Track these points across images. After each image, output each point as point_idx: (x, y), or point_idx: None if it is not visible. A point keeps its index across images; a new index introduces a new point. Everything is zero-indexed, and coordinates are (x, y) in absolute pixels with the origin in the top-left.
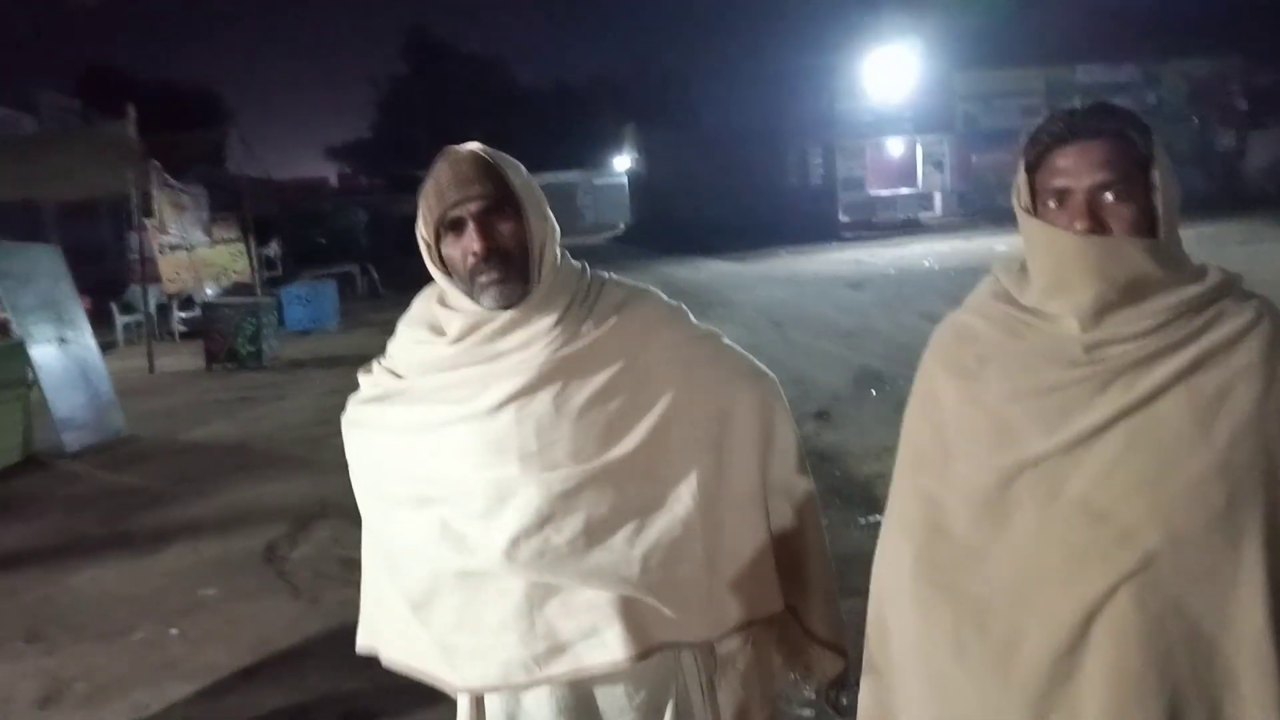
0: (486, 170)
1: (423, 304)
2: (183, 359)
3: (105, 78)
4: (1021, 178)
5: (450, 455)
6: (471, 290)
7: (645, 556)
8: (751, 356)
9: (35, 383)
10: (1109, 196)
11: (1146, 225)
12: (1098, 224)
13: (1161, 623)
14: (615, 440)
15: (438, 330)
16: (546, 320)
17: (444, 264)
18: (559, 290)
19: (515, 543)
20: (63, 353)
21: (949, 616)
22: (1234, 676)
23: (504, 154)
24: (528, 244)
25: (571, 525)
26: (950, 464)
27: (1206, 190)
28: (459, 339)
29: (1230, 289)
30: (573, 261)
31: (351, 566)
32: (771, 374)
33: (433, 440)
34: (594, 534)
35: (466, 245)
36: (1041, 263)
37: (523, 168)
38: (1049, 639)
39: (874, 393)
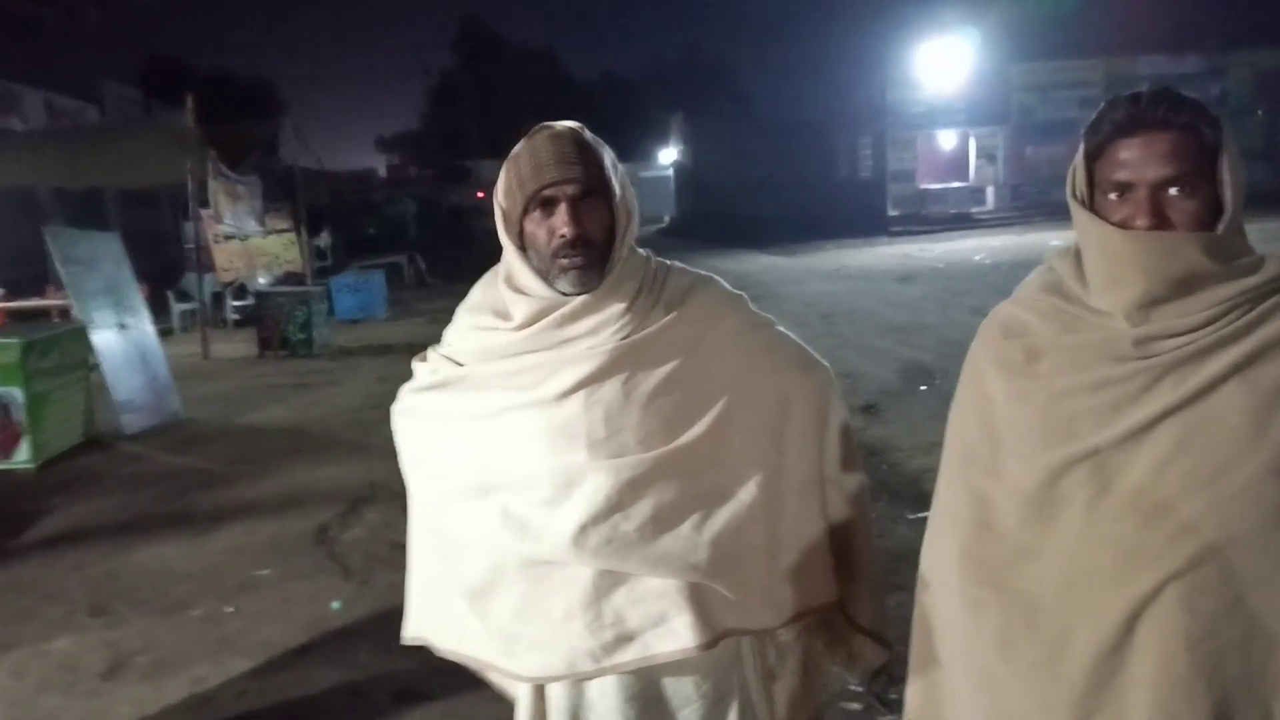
0: (585, 152)
1: (484, 289)
2: (236, 346)
3: (165, 69)
4: (1080, 166)
5: (514, 442)
6: (549, 270)
7: (713, 543)
8: (808, 346)
9: (96, 366)
10: (1173, 191)
11: (1210, 219)
12: (1160, 220)
13: (1214, 624)
14: (682, 427)
15: (502, 315)
16: (616, 307)
17: (520, 238)
18: (627, 278)
19: (584, 529)
20: (123, 338)
21: (996, 614)
22: None
23: (599, 139)
24: (612, 234)
25: (640, 512)
26: (999, 460)
27: (1273, 184)
28: (526, 324)
29: None
30: (638, 250)
31: (401, 550)
32: (826, 364)
33: (494, 427)
34: (662, 521)
35: (555, 226)
36: (1094, 258)
37: (613, 154)
38: (1096, 638)
39: (923, 388)
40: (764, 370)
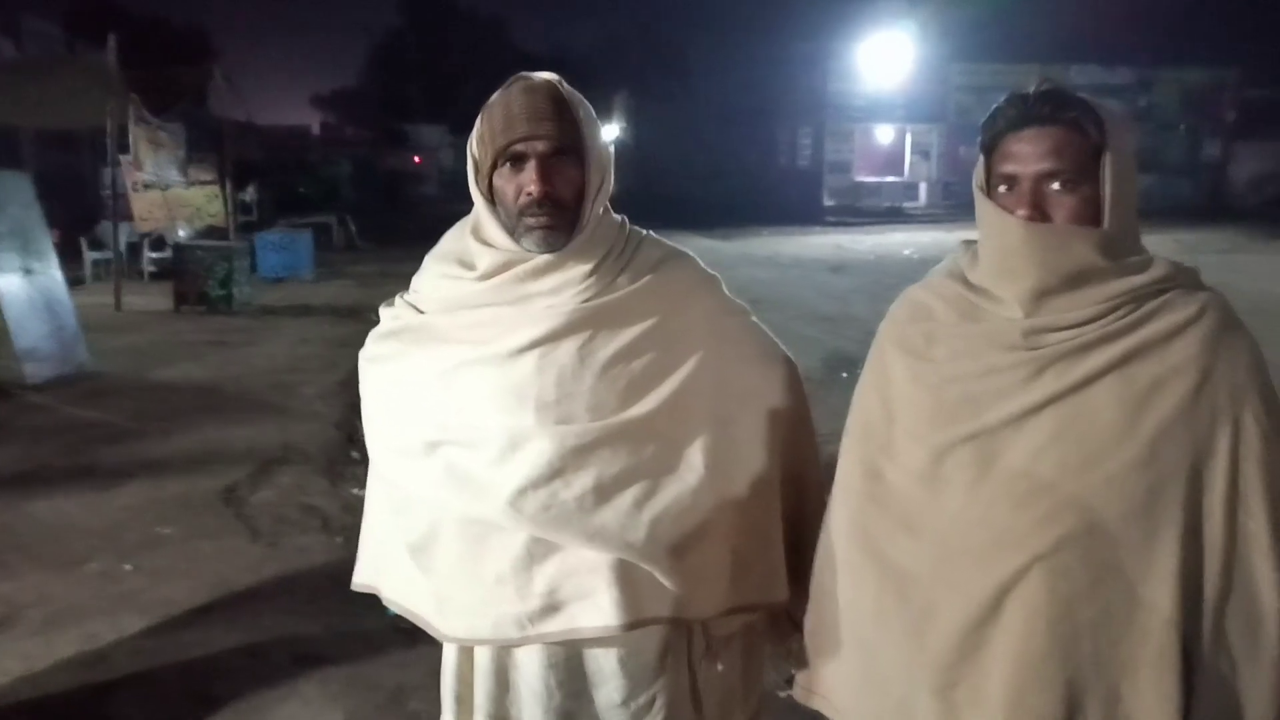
0: (561, 109)
1: (453, 238)
2: (151, 299)
3: (90, 6)
4: (980, 159)
5: (467, 398)
6: (515, 227)
7: (652, 522)
8: (777, 340)
9: None
10: (1055, 185)
11: (1093, 215)
12: (1040, 213)
13: (1070, 606)
14: (635, 399)
15: (467, 265)
16: (581, 269)
17: (490, 191)
18: (597, 241)
19: (522, 493)
20: (28, 283)
21: (874, 583)
22: (1135, 666)
23: (579, 94)
24: (583, 194)
25: (581, 481)
26: (893, 437)
27: (1192, 198)
28: (488, 276)
29: (1178, 280)
30: (613, 214)
31: (311, 513)
32: (794, 359)
33: (449, 383)
34: (603, 493)
35: (523, 183)
36: (989, 245)
37: (592, 110)
38: (961, 612)
39: (845, 376)
40: (728, 359)
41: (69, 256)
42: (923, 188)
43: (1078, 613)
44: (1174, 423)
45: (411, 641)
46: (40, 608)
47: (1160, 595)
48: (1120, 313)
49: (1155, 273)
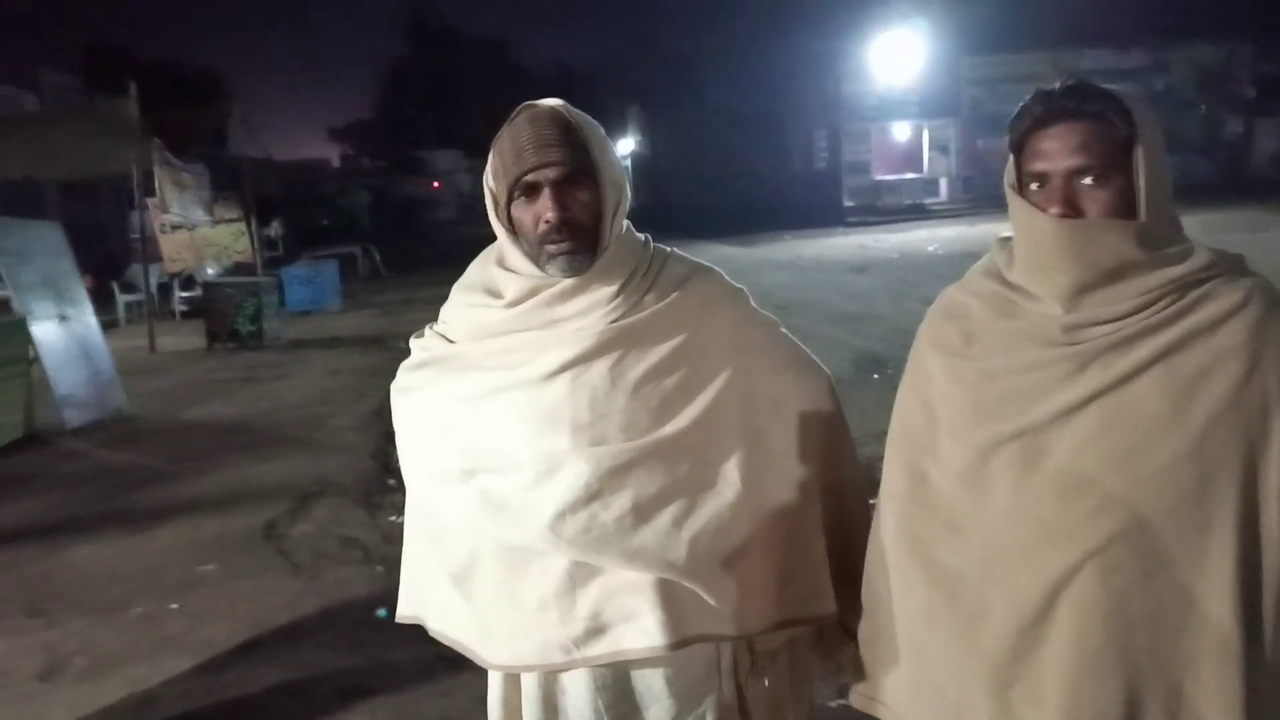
0: (568, 134)
1: (479, 267)
2: (184, 338)
3: (108, 57)
4: (1010, 158)
5: (499, 424)
6: (538, 255)
7: (692, 539)
8: (808, 349)
9: (36, 360)
10: (1086, 181)
11: (1127, 208)
12: (1072, 209)
13: (1124, 601)
14: (668, 417)
15: (494, 293)
16: (607, 290)
17: (510, 222)
18: (622, 260)
19: (561, 516)
20: (64, 330)
21: (923, 586)
22: (1196, 661)
23: (586, 115)
24: (601, 214)
25: (619, 503)
26: (935, 437)
27: (1213, 177)
28: (516, 302)
29: (1221, 268)
30: (636, 233)
31: (350, 545)
32: (826, 369)
33: (481, 410)
34: (641, 513)
35: (539, 211)
36: (1023, 244)
37: (601, 130)
38: (1014, 612)
39: (875, 377)
40: (757, 371)
41: (101, 300)
42: (943, 183)
43: (1132, 607)
44: (1223, 411)
45: (455, 669)
46: (84, 655)
47: (1217, 587)
48: (1162, 304)
49: (1196, 262)
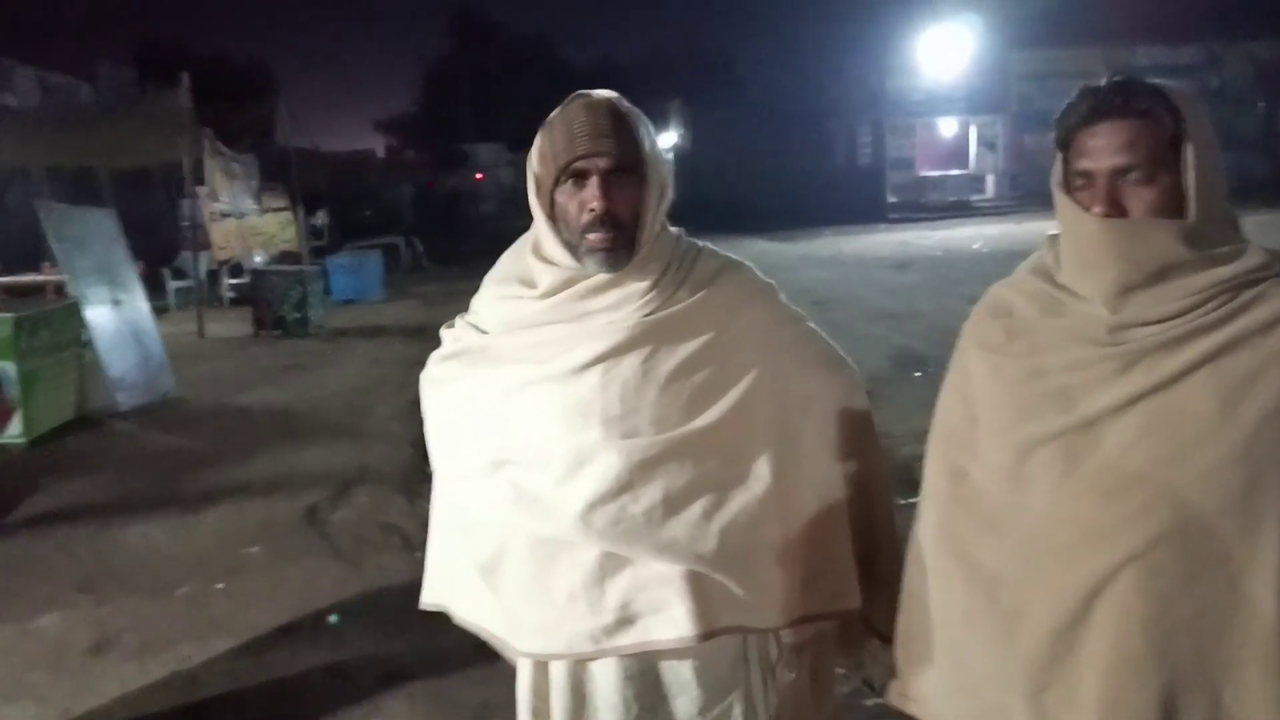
0: (621, 126)
1: (511, 259)
2: (231, 325)
3: (161, 50)
4: (1057, 156)
5: (530, 417)
6: (578, 244)
7: (721, 533)
8: (836, 346)
9: (89, 343)
10: (1131, 179)
11: (1176, 207)
12: (1117, 208)
13: (1165, 604)
14: (699, 411)
15: (527, 284)
16: (641, 284)
17: (550, 207)
18: (656, 255)
19: (591, 509)
20: (116, 314)
21: (961, 586)
22: (1238, 666)
23: (638, 110)
24: (642, 211)
25: (649, 495)
26: (976, 436)
27: (1271, 176)
28: (550, 293)
29: (1276, 269)
30: (670, 228)
31: (390, 532)
32: (854, 365)
33: (512, 403)
34: (671, 505)
35: (585, 199)
36: (1069, 243)
37: (651, 127)
38: (1051, 614)
39: (917, 375)
40: (786, 367)
41: (152, 287)
42: (990, 180)
43: (1174, 611)
44: (1274, 413)
45: (493, 658)
46: (134, 632)
47: (1265, 591)
48: (1212, 305)
49: (1248, 262)
